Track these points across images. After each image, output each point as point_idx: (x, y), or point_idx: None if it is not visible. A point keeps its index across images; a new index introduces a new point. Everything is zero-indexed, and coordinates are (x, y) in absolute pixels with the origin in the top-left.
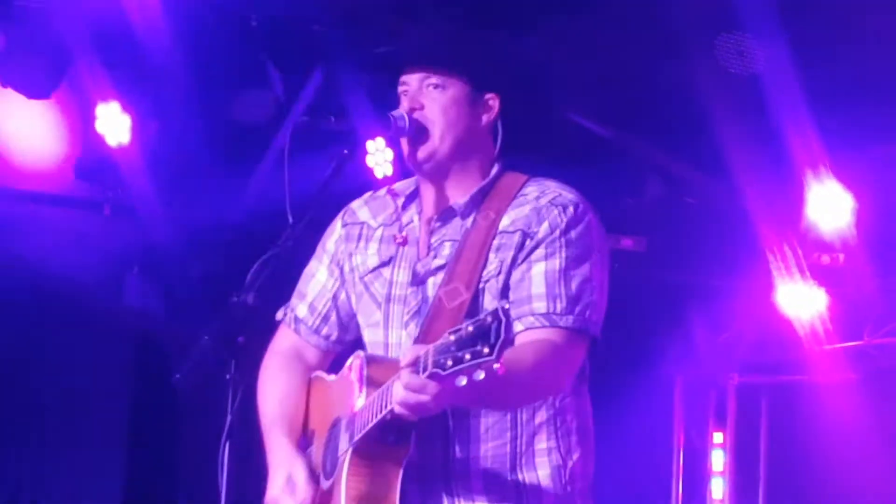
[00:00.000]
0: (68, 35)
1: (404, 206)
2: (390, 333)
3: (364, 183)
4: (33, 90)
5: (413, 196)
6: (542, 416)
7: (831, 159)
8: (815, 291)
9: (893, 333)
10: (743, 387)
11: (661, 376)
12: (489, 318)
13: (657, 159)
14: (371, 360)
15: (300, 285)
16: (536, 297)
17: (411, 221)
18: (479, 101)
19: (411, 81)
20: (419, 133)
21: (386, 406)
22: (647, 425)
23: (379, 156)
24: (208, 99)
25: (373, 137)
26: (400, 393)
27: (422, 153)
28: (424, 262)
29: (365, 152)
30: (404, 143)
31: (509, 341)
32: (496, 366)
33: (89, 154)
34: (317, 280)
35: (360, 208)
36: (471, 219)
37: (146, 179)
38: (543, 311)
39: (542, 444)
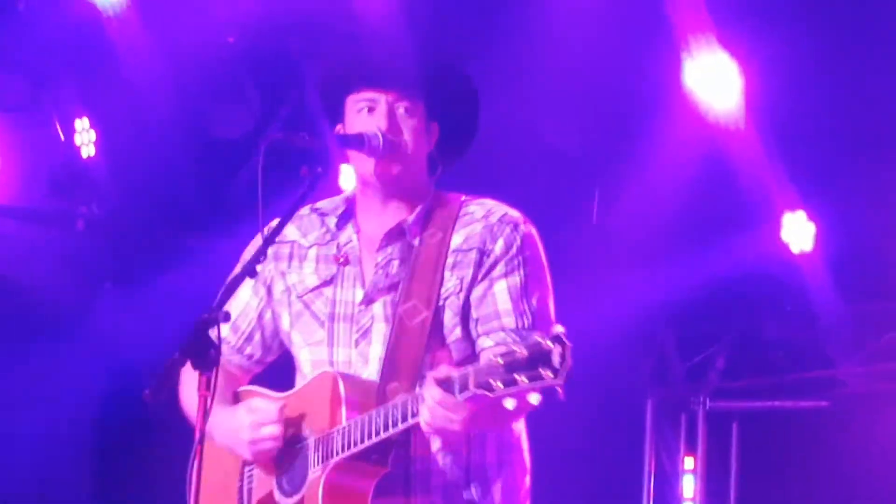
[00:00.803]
0: (46, 49)
1: (339, 226)
2: (336, 352)
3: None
4: (9, 103)
5: (347, 216)
6: (490, 433)
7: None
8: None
9: (865, 361)
10: (714, 412)
11: (631, 400)
12: (549, 343)
13: None
14: (348, 380)
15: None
16: (504, 314)
17: (350, 241)
18: (429, 129)
19: (379, 100)
20: (392, 152)
21: (390, 426)
22: (617, 449)
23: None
24: (185, 114)
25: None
26: (429, 413)
27: (394, 172)
28: (374, 281)
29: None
30: (371, 160)
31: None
32: (559, 389)
33: (62, 168)
34: (240, 299)
35: (291, 227)
36: (417, 238)
37: (119, 193)
38: (512, 326)
39: (492, 458)
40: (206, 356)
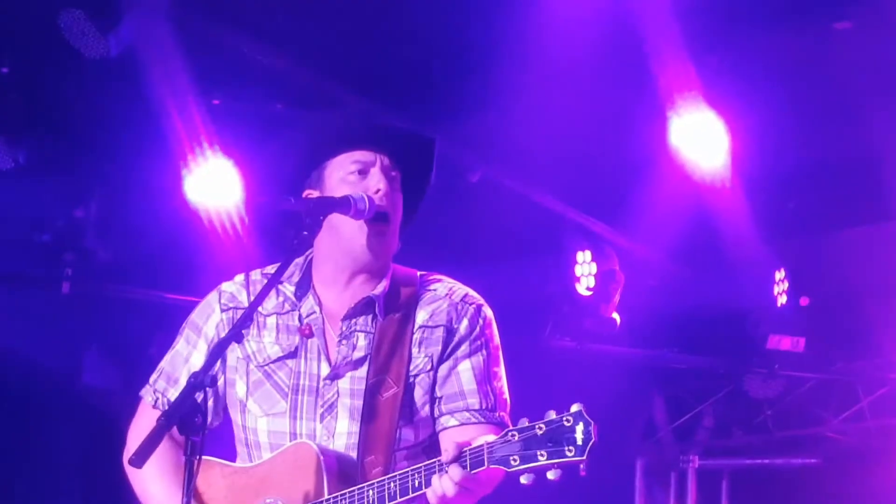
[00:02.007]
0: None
1: (298, 296)
2: (299, 424)
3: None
4: None
5: (305, 285)
6: None
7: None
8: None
9: (854, 418)
10: (704, 470)
11: (622, 458)
12: (571, 420)
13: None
14: (326, 452)
15: (169, 368)
16: (469, 394)
17: (313, 313)
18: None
19: (374, 162)
20: (379, 220)
21: (386, 499)
22: None
23: None
24: (164, 176)
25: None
26: (444, 486)
27: (385, 240)
28: (341, 355)
29: None
30: (361, 228)
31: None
32: (582, 465)
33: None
34: (190, 365)
35: (238, 292)
36: (382, 312)
37: (105, 257)
38: (478, 407)
39: None
40: (192, 421)
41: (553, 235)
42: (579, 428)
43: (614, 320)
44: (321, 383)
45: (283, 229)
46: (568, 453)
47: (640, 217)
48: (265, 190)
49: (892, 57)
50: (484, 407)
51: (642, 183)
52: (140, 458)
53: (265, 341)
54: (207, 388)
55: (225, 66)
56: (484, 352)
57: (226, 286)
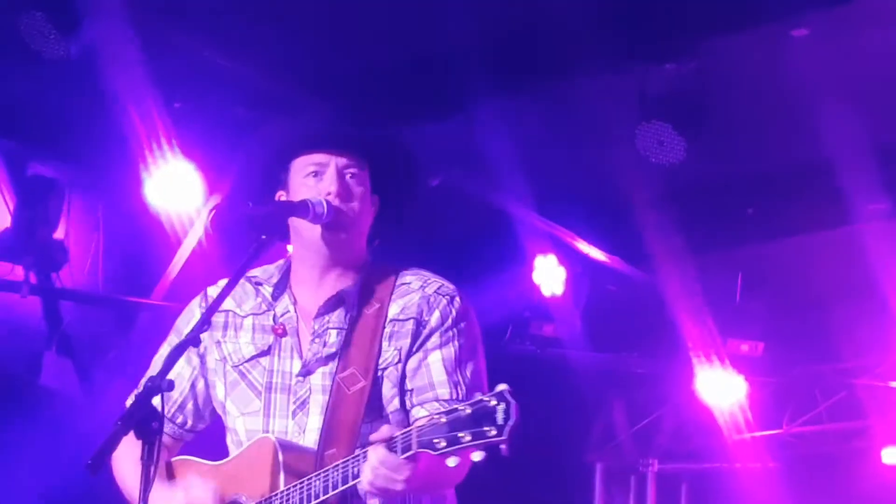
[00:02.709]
0: None
1: (275, 296)
2: (272, 422)
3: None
4: None
5: (282, 285)
6: (426, 498)
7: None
8: (735, 379)
9: (812, 422)
10: (663, 474)
11: (581, 463)
12: (493, 401)
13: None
14: (285, 446)
15: (151, 371)
16: (439, 385)
17: (287, 311)
18: (372, 200)
19: (328, 164)
20: (338, 221)
21: (330, 488)
22: None
23: None
24: (125, 177)
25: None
26: (372, 473)
27: (341, 238)
28: (312, 351)
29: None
30: (317, 227)
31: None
32: (503, 446)
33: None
34: (174, 369)
35: (228, 299)
36: (355, 308)
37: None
38: (447, 397)
39: None
40: (149, 426)
41: (514, 240)
42: (500, 408)
43: (575, 325)
44: (294, 380)
45: (244, 233)
46: (489, 434)
47: (601, 221)
48: (226, 194)
49: (844, 65)
50: (453, 397)
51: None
52: (96, 463)
53: (241, 342)
54: (164, 393)
55: (186, 69)
56: (456, 342)
57: (210, 290)
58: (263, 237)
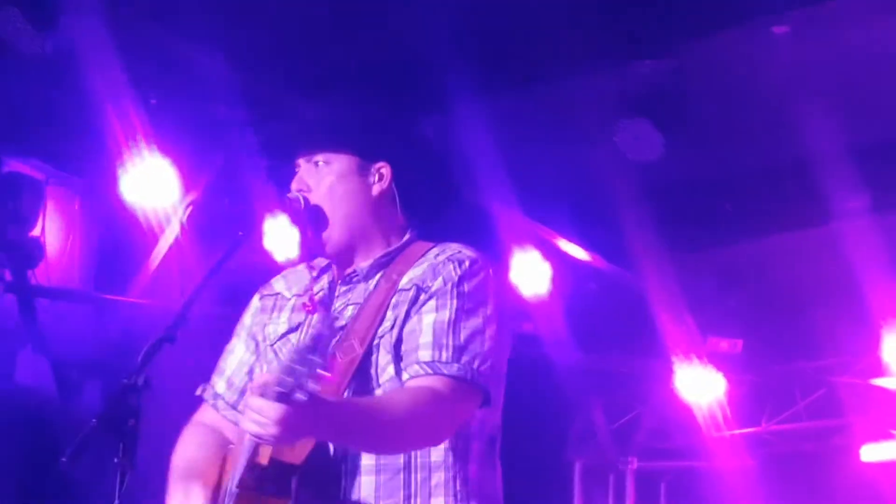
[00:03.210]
0: None
1: (317, 278)
2: None
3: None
4: None
5: (327, 268)
6: (438, 477)
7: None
8: (714, 377)
9: (791, 420)
10: (642, 472)
11: (560, 461)
12: (325, 330)
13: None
14: None
15: (220, 361)
16: (423, 346)
17: (322, 289)
18: (368, 171)
19: (301, 162)
20: (315, 216)
21: (248, 450)
22: None
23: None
24: (101, 174)
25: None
26: (246, 421)
27: (322, 239)
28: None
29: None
30: (302, 228)
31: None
32: (324, 372)
33: None
34: (235, 355)
35: (277, 281)
36: (374, 281)
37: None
38: (428, 359)
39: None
40: (125, 424)
41: (493, 236)
42: (325, 334)
43: (555, 323)
44: None
45: (221, 230)
46: (316, 361)
47: (580, 219)
48: (202, 191)
49: (824, 62)
50: (435, 359)
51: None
52: (72, 460)
53: (280, 321)
54: (141, 391)
55: (162, 66)
56: (453, 303)
57: (273, 280)
58: (240, 233)
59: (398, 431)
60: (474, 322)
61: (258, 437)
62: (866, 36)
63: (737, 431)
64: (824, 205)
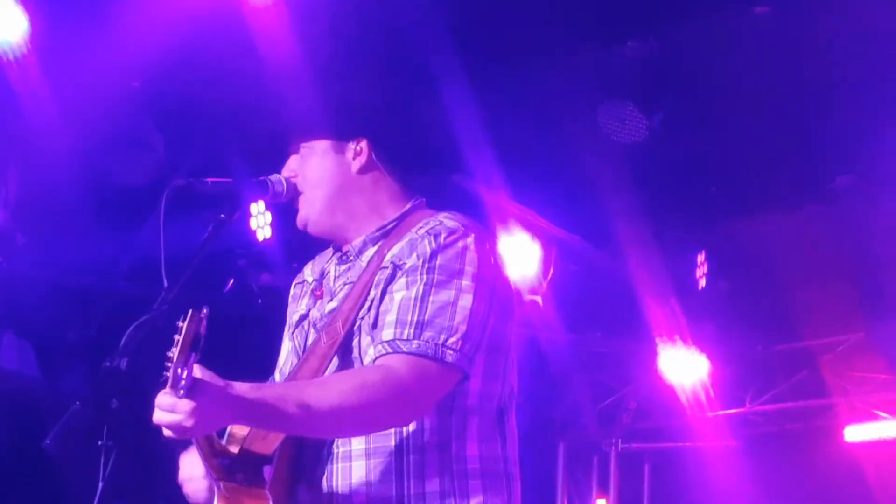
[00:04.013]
0: None
1: (329, 260)
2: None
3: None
4: None
5: (337, 249)
6: (432, 458)
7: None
8: (698, 358)
9: (774, 400)
10: (625, 453)
11: (544, 442)
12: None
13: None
14: None
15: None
16: (386, 325)
17: (327, 272)
18: (344, 149)
19: (291, 152)
20: (294, 196)
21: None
22: (530, 492)
23: (260, 218)
24: (89, 161)
25: (254, 201)
26: (155, 413)
27: (299, 219)
28: (321, 307)
29: (249, 215)
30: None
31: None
32: (192, 364)
33: None
34: (284, 348)
35: (307, 267)
36: (366, 257)
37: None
38: (390, 337)
39: (433, 487)
40: (108, 405)
41: (480, 218)
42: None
43: (537, 303)
44: (312, 339)
45: (206, 212)
46: (172, 353)
47: (563, 200)
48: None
49: (806, 42)
50: (396, 337)
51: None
52: (56, 443)
53: (300, 307)
54: (123, 373)
55: None
56: (423, 278)
57: (306, 268)
58: (222, 216)
59: (331, 414)
60: (445, 295)
61: (172, 429)
62: (847, 14)
63: (721, 412)
64: (809, 187)
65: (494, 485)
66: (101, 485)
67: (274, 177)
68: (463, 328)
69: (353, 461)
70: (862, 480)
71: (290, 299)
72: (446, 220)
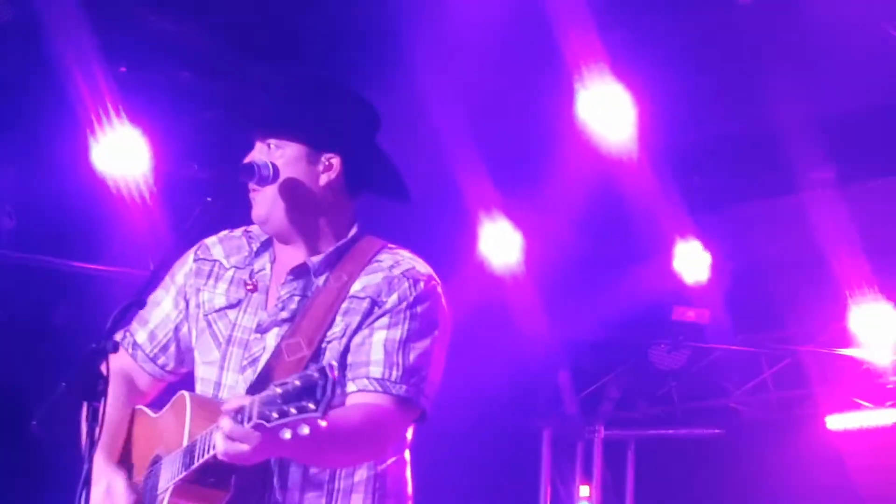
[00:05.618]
0: None
1: (258, 252)
2: (225, 375)
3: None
4: None
5: (268, 244)
6: (361, 474)
7: (692, 218)
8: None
9: (756, 389)
10: (609, 440)
11: (528, 429)
12: (316, 375)
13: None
14: (196, 401)
15: (144, 311)
16: (374, 363)
17: (263, 269)
18: (317, 161)
19: (257, 142)
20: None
21: (208, 451)
22: (513, 479)
23: None
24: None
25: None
26: (220, 442)
27: (257, 215)
28: (271, 312)
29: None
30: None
31: (335, 399)
32: (322, 422)
33: None
34: (161, 309)
35: (214, 245)
36: (323, 278)
37: (9, 224)
38: (378, 376)
39: (358, 502)
40: (95, 387)
41: (460, 206)
42: (321, 383)
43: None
44: (252, 336)
45: (192, 196)
46: (309, 408)
47: (549, 190)
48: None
49: (792, 31)
50: (385, 377)
51: (550, 156)
52: (42, 424)
53: (217, 292)
54: (110, 354)
55: (131, 34)
56: (406, 325)
57: (208, 240)
58: (208, 199)
59: (349, 450)
60: (423, 344)
61: (226, 455)
62: (829, 5)
63: (704, 401)
64: (790, 175)
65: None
66: (86, 465)
67: (259, 160)
68: (435, 378)
69: (292, 466)
70: (843, 468)
71: (189, 270)
72: (416, 263)
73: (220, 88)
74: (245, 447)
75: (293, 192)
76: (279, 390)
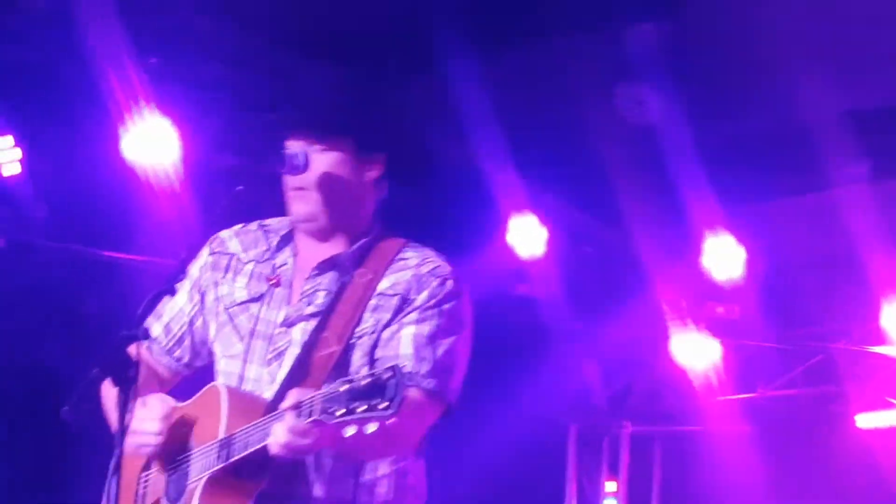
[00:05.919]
0: None
1: (279, 247)
2: (248, 368)
3: None
4: None
5: (288, 238)
6: (384, 469)
7: (725, 213)
8: (710, 342)
9: (787, 386)
10: (636, 436)
11: (554, 425)
12: (386, 374)
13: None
14: (233, 394)
15: (160, 304)
16: (403, 357)
17: (285, 264)
18: (363, 160)
19: (295, 146)
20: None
21: (256, 442)
22: (540, 474)
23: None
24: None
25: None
26: (282, 435)
27: (301, 214)
28: (297, 307)
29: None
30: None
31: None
32: (391, 420)
33: None
34: (175, 302)
35: (229, 239)
36: (349, 274)
37: (41, 213)
38: (409, 369)
39: (381, 496)
40: (126, 373)
41: (490, 200)
42: (392, 382)
43: (552, 286)
44: (276, 330)
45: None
46: (380, 406)
47: (577, 182)
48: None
49: (825, 24)
50: (414, 371)
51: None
52: (73, 410)
53: (236, 286)
54: (141, 341)
55: (162, 24)
56: (434, 321)
57: (223, 233)
58: (239, 188)
59: (387, 443)
60: (450, 341)
61: (286, 448)
62: None
63: (732, 397)
64: (823, 171)
65: (419, 500)
66: (117, 451)
67: (292, 148)
68: (460, 373)
69: (318, 458)
70: (873, 467)
71: (206, 264)
72: (442, 261)
73: (249, 80)
74: (306, 441)
75: (338, 191)
76: (344, 388)
